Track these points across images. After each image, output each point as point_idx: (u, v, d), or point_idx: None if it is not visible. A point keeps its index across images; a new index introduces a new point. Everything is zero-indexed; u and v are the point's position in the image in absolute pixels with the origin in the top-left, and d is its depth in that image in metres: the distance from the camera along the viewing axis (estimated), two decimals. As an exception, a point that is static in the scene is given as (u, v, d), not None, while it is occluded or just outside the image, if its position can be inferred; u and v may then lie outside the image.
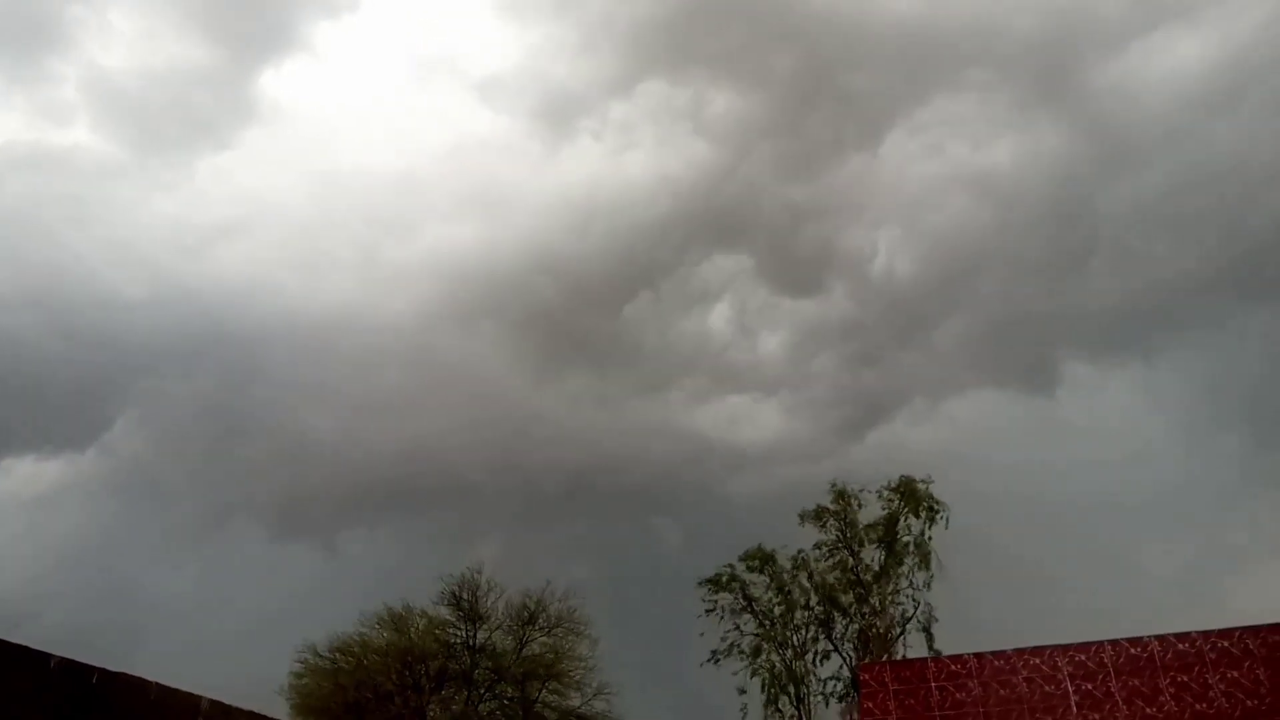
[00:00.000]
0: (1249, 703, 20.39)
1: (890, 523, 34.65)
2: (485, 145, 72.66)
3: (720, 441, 67.91)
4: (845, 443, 64.27)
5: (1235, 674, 20.83)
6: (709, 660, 34.72)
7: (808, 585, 35.16)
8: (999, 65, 67.53)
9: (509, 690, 33.22)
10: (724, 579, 35.83)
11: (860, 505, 35.39)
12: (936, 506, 34.20)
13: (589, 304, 72.92)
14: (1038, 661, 22.51)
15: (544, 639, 33.66)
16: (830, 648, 34.48)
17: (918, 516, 34.29)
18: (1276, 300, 64.88)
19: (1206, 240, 63.71)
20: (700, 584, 36.00)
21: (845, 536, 35.28)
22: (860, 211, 75.17)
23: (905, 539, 34.30)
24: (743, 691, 33.76)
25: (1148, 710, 20.97)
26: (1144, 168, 65.71)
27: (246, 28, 71.35)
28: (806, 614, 34.97)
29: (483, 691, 33.37)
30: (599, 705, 33.20)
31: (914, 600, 33.70)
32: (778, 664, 34.28)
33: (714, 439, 68.09)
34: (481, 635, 33.74)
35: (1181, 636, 21.77)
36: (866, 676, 24.64)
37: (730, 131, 71.74)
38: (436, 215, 74.46)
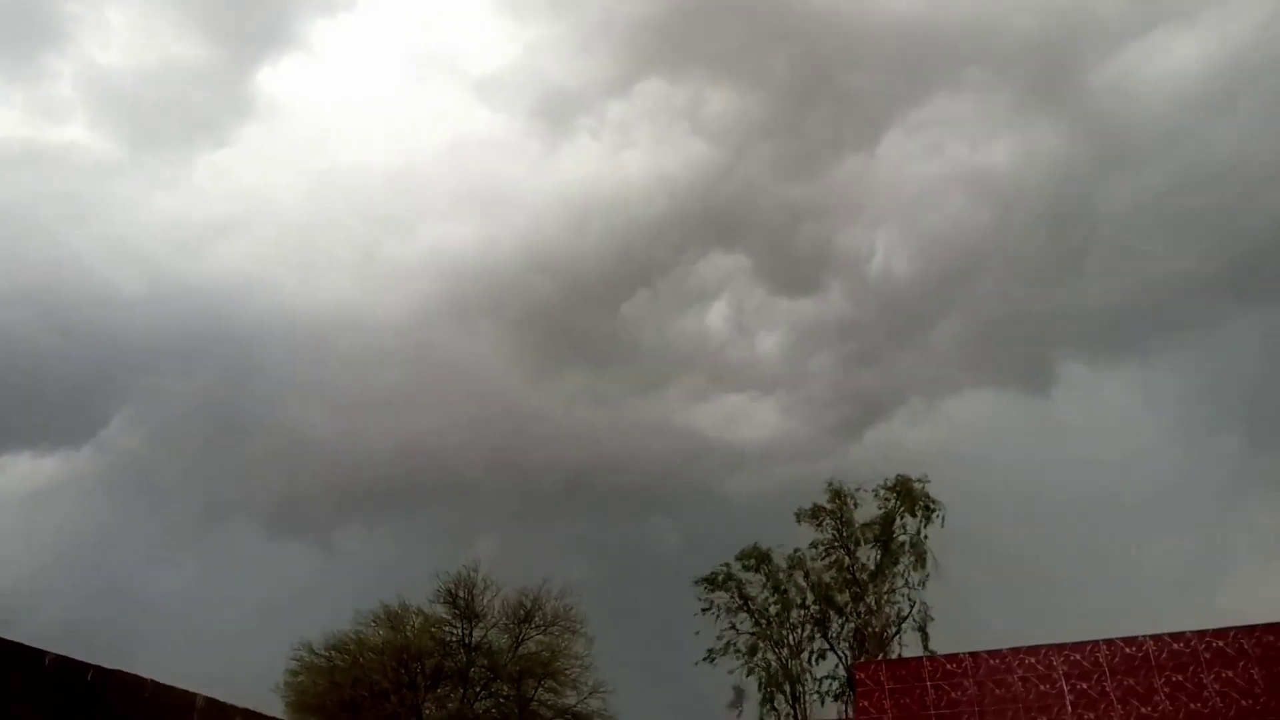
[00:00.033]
0: (1243, 702, 20.44)
1: (886, 522, 34.72)
2: (483, 144, 72.74)
3: (718, 440, 68.06)
4: (843, 442, 64.39)
5: (1230, 674, 20.89)
6: (705, 659, 34.81)
7: (804, 584, 35.21)
8: (997, 65, 67.69)
9: (504, 688, 33.21)
10: (720, 578, 35.85)
11: (856, 504, 35.48)
12: (933, 506, 34.31)
13: (587, 303, 72.98)
14: (1033, 661, 22.56)
15: (540, 637, 33.65)
16: (826, 646, 34.56)
17: (914, 516, 34.38)
18: (1275, 300, 65.11)
19: (1205, 240, 63.83)
20: (696, 583, 36.10)
21: (841, 535, 35.32)
22: (858, 211, 75.33)
23: (901, 538, 34.40)
24: (739, 691, 33.88)
25: (1142, 710, 21.02)
26: (1142, 168, 65.91)
27: (244, 25, 71.46)
28: (802, 613, 35.01)
29: (478, 689, 33.36)
30: (594, 704, 33.18)
31: (909, 599, 33.86)
32: (773, 663, 34.33)
33: (712, 438, 68.22)
34: (477, 633, 33.75)
35: (1176, 636, 21.84)
36: (862, 675, 24.70)
37: (728, 131, 71.90)
38: (434, 214, 74.59)
